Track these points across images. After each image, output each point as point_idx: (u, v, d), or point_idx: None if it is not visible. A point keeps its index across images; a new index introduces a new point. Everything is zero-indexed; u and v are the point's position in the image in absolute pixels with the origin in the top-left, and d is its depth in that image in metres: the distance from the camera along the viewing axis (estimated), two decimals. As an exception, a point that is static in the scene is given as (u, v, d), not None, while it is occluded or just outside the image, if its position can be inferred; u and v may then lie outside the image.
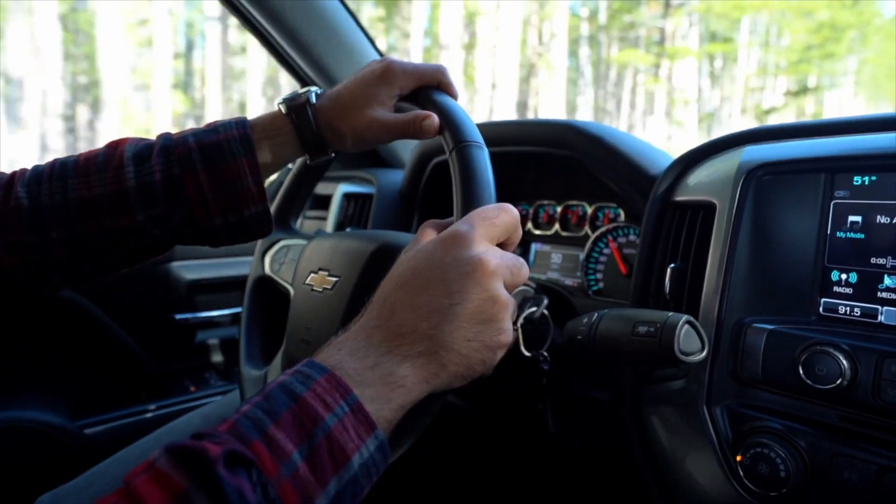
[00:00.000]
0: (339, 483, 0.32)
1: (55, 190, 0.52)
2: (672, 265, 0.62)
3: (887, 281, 0.49)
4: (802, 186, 0.54)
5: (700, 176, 0.64)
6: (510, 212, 0.44)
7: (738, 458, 0.52)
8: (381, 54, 1.14)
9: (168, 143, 0.54)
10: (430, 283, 0.39)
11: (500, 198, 0.47)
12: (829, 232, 0.53)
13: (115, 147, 0.55)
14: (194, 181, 0.53)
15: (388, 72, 0.56)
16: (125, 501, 0.27)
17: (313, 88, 0.58)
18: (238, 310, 1.33)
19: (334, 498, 0.32)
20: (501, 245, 0.44)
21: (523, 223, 1.02)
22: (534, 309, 0.70)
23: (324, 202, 1.19)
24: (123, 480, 0.29)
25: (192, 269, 1.26)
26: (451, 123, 0.53)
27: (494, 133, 0.87)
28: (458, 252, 0.39)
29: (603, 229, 0.90)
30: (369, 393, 0.35)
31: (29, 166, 0.56)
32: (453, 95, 0.58)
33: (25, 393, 1.04)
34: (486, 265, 0.39)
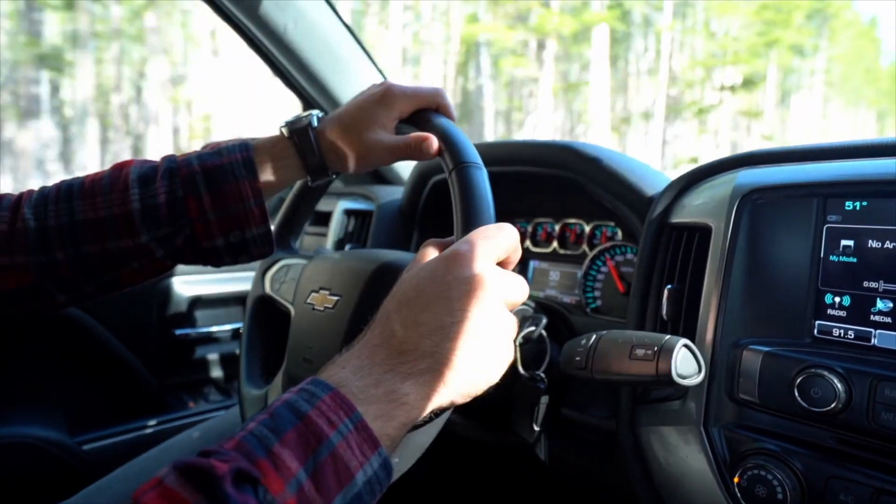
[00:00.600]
0: (344, 500, 0.33)
1: (61, 211, 0.53)
2: (669, 286, 0.63)
3: (879, 304, 0.50)
4: (796, 211, 0.55)
5: (696, 198, 0.65)
6: (510, 231, 0.45)
7: (736, 479, 0.52)
8: (383, 75, 1.15)
9: (172, 166, 0.56)
10: (433, 301, 0.39)
11: (499, 215, 0.48)
12: (822, 255, 0.54)
13: (120, 169, 0.56)
14: (197, 203, 0.54)
15: (387, 95, 0.58)
16: None
17: (314, 112, 0.60)
18: (238, 325, 1.33)
19: None
20: (501, 264, 0.44)
21: (522, 241, 1.03)
22: (532, 328, 0.71)
23: (324, 218, 1.20)
24: (132, 497, 0.29)
25: (192, 284, 1.26)
26: (449, 144, 0.54)
27: (493, 153, 0.89)
28: (459, 271, 0.40)
29: (601, 247, 0.91)
30: (373, 410, 0.36)
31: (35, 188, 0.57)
32: (451, 117, 0.59)
33: (24, 408, 1.04)
34: (487, 284, 0.40)
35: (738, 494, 0.52)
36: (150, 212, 0.54)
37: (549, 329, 0.76)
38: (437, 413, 0.41)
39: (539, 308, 0.80)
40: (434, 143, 0.55)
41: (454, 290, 0.39)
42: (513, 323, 0.42)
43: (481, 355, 0.40)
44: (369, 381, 0.37)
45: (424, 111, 0.59)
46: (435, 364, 0.38)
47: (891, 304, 0.49)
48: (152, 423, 1.13)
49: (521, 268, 1.02)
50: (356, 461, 0.34)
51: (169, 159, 0.57)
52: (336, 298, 0.68)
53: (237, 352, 0.85)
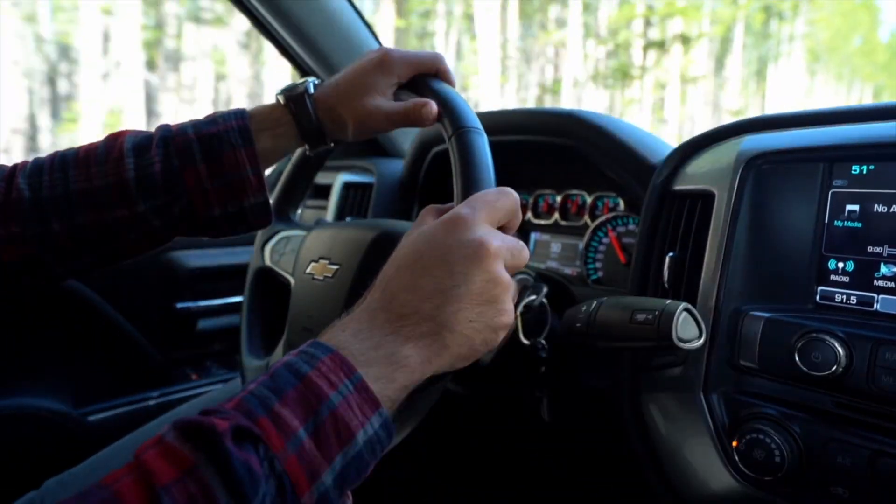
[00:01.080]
0: (345, 459, 0.33)
1: (56, 181, 0.53)
2: (671, 254, 0.63)
3: (883, 269, 0.50)
4: (801, 176, 0.55)
5: (699, 165, 0.64)
6: (510, 195, 0.44)
7: (734, 443, 0.52)
8: (379, 43, 1.13)
9: (167, 135, 0.55)
10: (433, 264, 0.39)
11: (500, 186, 0.48)
12: (826, 221, 0.53)
13: (114, 139, 0.55)
14: (194, 172, 0.53)
15: (385, 61, 0.57)
16: (135, 475, 0.28)
17: (311, 79, 0.58)
18: (239, 298, 1.34)
19: (340, 473, 0.33)
20: (502, 228, 0.44)
21: (523, 212, 1.02)
22: (533, 297, 0.71)
23: (324, 192, 1.19)
24: (133, 455, 0.29)
25: (193, 257, 1.26)
26: (449, 110, 0.53)
27: (495, 122, 0.87)
28: (459, 234, 0.40)
29: (602, 219, 0.90)
30: (373, 372, 0.36)
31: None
32: (450, 83, 0.58)
33: (29, 381, 1.05)
34: (487, 247, 0.39)
35: (737, 458, 0.52)
36: (146, 181, 0.53)
37: (550, 300, 0.76)
38: (437, 376, 0.41)
39: (540, 279, 0.80)
40: (433, 108, 0.54)
41: (454, 254, 0.39)
42: (513, 286, 0.42)
43: (481, 319, 0.39)
44: (369, 343, 0.37)
45: (423, 76, 0.58)
46: (435, 327, 0.38)
47: (895, 269, 0.49)
48: (155, 395, 1.15)
49: (523, 239, 1.01)
50: (356, 420, 0.34)
51: (163, 128, 0.56)
52: (335, 268, 0.67)
53: (239, 324, 0.85)
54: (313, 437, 0.32)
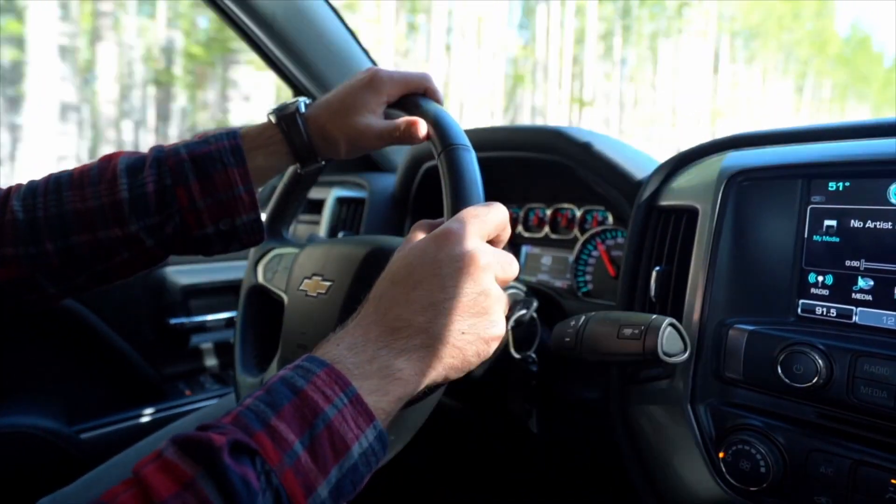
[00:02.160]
0: (340, 471, 0.33)
1: (50, 203, 0.53)
2: (657, 268, 0.64)
3: (861, 283, 0.51)
4: (781, 192, 0.56)
5: (683, 181, 0.66)
6: (499, 210, 0.45)
7: (721, 454, 0.53)
8: (372, 61, 1.15)
9: (160, 155, 0.56)
10: (425, 278, 0.40)
11: (491, 200, 0.49)
12: (805, 236, 0.55)
13: (108, 160, 0.56)
14: (186, 191, 0.54)
15: (375, 80, 0.58)
16: (134, 490, 0.28)
17: (302, 98, 0.60)
18: (232, 314, 1.34)
19: (335, 485, 0.33)
20: (492, 242, 0.45)
21: (513, 226, 1.04)
22: (523, 312, 0.72)
23: (317, 207, 1.20)
24: (132, 471, 0.30)
25: (185, 273, 1.26)
26: (438, 128, 0.54)
27: (484, 139, 0.89)
28: (450, 248, 0.41)
29: (591, 232, 0.92)
30: (368, 385, 0.36)
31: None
32: (439, 101, 0.60)
33: (21, 399, 1.04)
34: (478, 260, 0.40)
35: (723, 469, 0.53)
36: (139, 201, 0.54)
37: (541, 313, 0.77)
38: (431, 388, 0.42)
39: (531, 292, 0.81)
40: (423, 126, 0.56)
41: (445, 268, 0.40)
42: (504, 299, 0.43)
43: (474, 331, 0.40)
44: (364, 357, 0.38)
45: (412, 96, 0.60)
46: (428, 340, 0.39)
47: (871, 283, 0.51)
48: (149, 411, 1.14)
49: (514, 253, 1.03)
50: (352, 433, 0.34)
51: (157, 149, 0.57)
52: (329, 284, 0.68)
53: (232, 340, 0.85)
54: (309, 451, 0.32)
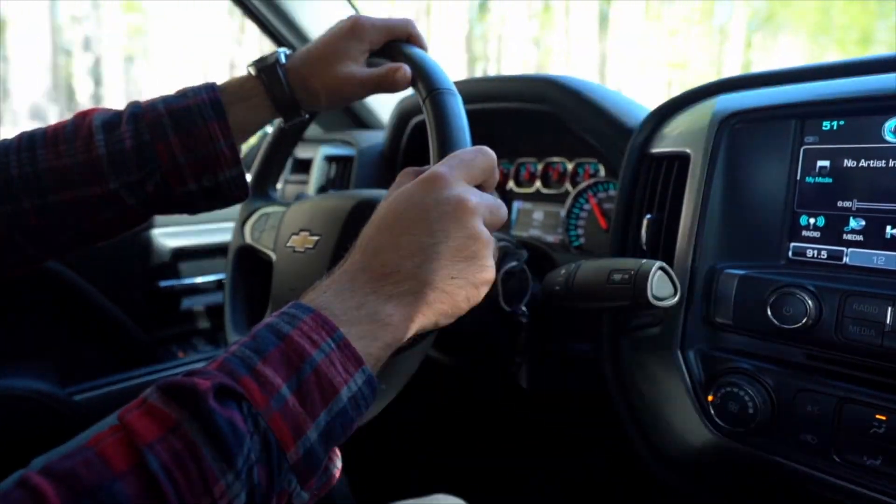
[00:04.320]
0: (329, 415, 0.33)
1: (24, 161, 0.52)
2: (648, 216, 0.63)
3: (852, 223, 0.51)
4: (774, 133, 0.55)
5: (675, 127, 0.65)
6: (486, 154, 0.44)
7: (710, 398, 0.54)
8: (355, 9, 1.11)
9: (137, 111, 0.54)
10: (412, 223, 0.39)
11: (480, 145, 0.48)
12: (798, 178, 0.54)
13: (82, 117, 0.54)
14: (166, 147, 0.53)
15: (356, 27, 0.56)
16: (119, 435, 0.28)
17: (282, 49, 0.58)
18: (222, 276, 1.33)
19: (325, 429, 0.33)
20: (479, 187, 0.44)
21: (505, 181, 1.02)
22: (514, 263, 0.71)
23: (305, 166, 1.18)
24: (117, 417, 0.29)
25: (174, 236, 1.25)
26: (422, 73, 0.53)
27: (472, 90, 0.87)
28: (438, 192, 0.40)
29: (583, 185, 0.91)
30: (356, 331, 0.36)
31: None
32: (423, 47, 0.58)
33: (13, 362, 1.04)
34: (466, 204, 0.40)
35: (712, 412, 0.54)
36: (117, 157, 0.52)
37: (533, 268, 0.77)
38: (421, 335, 0.41)
39: (522, 246, 0.81)
40: (407, 72, 0.54)
41: (433, 212, 0.39)
42: (493, 242, 0.42)
43: (463, 276, 0.40)
44: (351, 303, 0.37)
45: (395, 42, 0.58)
46: (417, 285, 0.38)
47: (863, 223, 0.50)
48: (141, 373, 1.15)
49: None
50: (340, 378, 0.34)
51: (133, 104, 0.55)
52: (316, 238, 0.67)
53: (223, 302, 0.85)
54: (297, 395, 0.32)
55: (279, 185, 1.16)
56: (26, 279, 1.00)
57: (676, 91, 0.67)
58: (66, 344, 1.14)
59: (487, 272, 0.42)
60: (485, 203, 0.41)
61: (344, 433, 0.35)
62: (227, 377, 0.31)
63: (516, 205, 1.01)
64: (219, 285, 1.31)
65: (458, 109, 0.50)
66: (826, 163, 0.52)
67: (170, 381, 0.31)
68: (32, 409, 0.98)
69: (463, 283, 0.40)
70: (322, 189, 1.14)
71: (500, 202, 0.43)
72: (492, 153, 0.45)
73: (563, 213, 0.92)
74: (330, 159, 1.14)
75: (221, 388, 0.30)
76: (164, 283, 1.23)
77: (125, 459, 0.27)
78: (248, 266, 0.84)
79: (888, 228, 0.49)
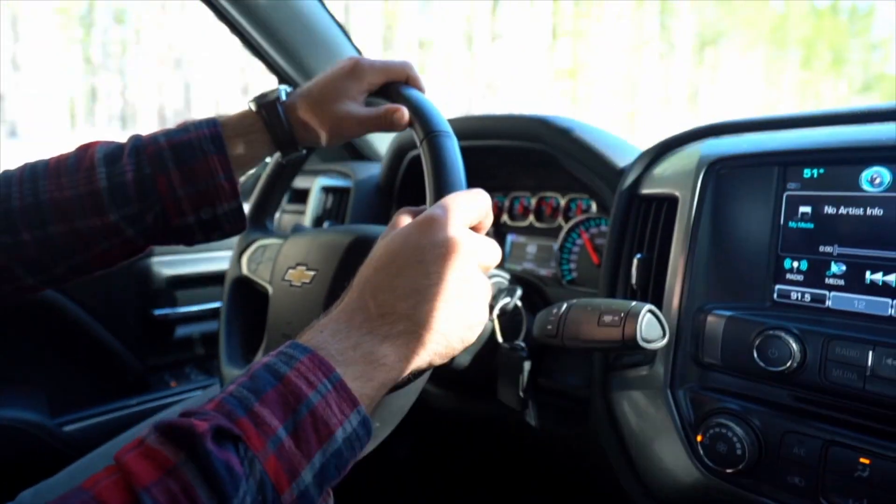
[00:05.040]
0: (324, 456, 0.34)
1: (26, 192, 0.53)
2: (639, 255, 0.65)
3: (834, 268, 0.52)
4: (758, 179, 0.57)
5: (664, 169, 0.67)
6: (481, 196, 0.46)
7: (699, 437, 0.55)
8: (357, 49, 1.14)
9: (139, 144, 0.55)
10: (408, 265, 0.40)
11: (475, 188, 0.49)
12: (781, 222, 0.56)
13: (85, 150, 0.56)
14: (166, 180, 0.54)
15: (356, 68, 0.58)
16: (116, 477, 0.28)
17: (283, 86, 0.60)
18: (217, 304, 1.33)
19: (319, 470, 0.33)
20: (474, 229, 0.45)
21: (499, 215, 1.04)
22: (508, 300, 0.72)
23: (301, 196, 1.20)
24: (113, 458, 0.30)
25: (170, 264, 1.26)
26: (420, 115, 0.54)
27: (468, 127, 0.89)
28: (433, 235, 0.41)
29: (575, 220, 0.92)
30: (351, 371, 0.37)
31: None
32: (421, 89, 0.60)
33: (2, 391, 1.03)
34: (461, 247, 0.41)
35: (701, 452, 0.54)
36: (118, 190, 0.53)
37: (526, 301, 0.78)
38: (415, 374, 0.42)
39: (516, 281, 0.82)
40: (404, 113, 0.56)
41: (428, 254, 0.40)
42: (487, 285, 0.43)
43: (457, 316, 0.40)
44: (347, 343, 0.38)
45: (394, 83, 0.60)
46: (412, 326, 0.39)
47: (844, 267, 0.52)
48: (133, 402, 1.14)
49: (499, 241, 1.03)
50: (335, 419, 0.34)
51: (135, 138, 0.56)
52: (313, 273, 0.68)
53: (217, 330, 0.85)
54: (293, 436, 0.33)
55: (275, 215, 1.17)
56: (17, 306, 1.00)
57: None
58: (57, 371, 1.13)
59: (481, 314, 0.43)
60: (479, 245, 0.42)
61: (338, 474, 0.35)
62: (224, 418, 0.31)
63: (510, 238, 1.03)
64: (213, 314, 1.31)
65: (454, 152, 0.51)
66: (808, 209, 0.54)
67: (167, 421, 0.31)
68: (21, 439, 0.97)
69: (457, 324, 0.41)
70: (318, 220, 1.15)
71: (494, 244, 0.45)
72: (486, 196, 0.46)
73: (555, 247, 0.94)
74: (327, 190, 1.15)
75: (219, 429, 0.30)
76: (158, 312, 1.23)
77: (122, 502, 0.27)
78: (244, 297, 0.85)
79: (868, 274, 0.50)
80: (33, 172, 0.54)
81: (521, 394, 0.73)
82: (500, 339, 0.74)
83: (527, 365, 0.72)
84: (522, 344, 0.73)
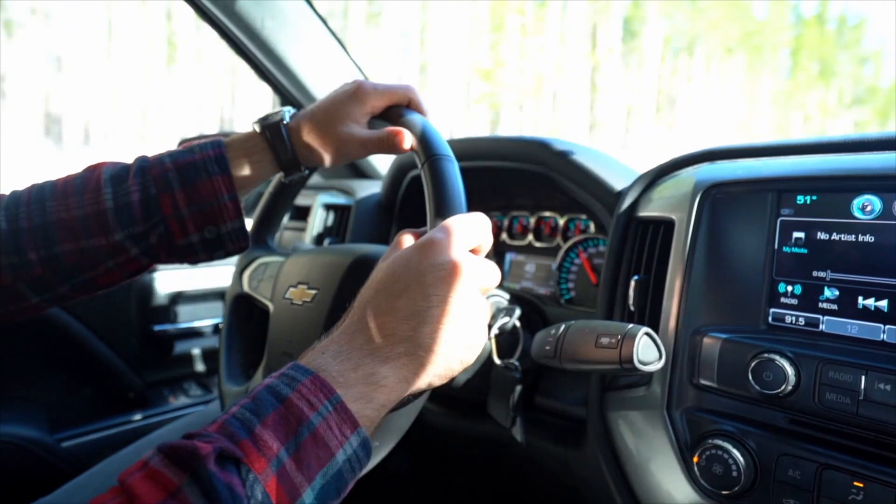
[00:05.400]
0: (325, 478, 0.34)
1: (33, 213, 0.54)
2: (636, 277, 0.66)
3: (827, 293, 0.53)
4: (752, 204, 0.58)
5: (660, 193, 0.68)
6: (481, 220, 0.47)
7: (696, 459, 0.55)
8: (361, 71, 1.16)
9: (145, 165, 0.56)
10: (409, 287, 0.41)
11: (477, 208, 0.50)
12: (776, 247, 0.57)
13: (92, 170, 0.57)
14: (171, 199, 0.55)
15: (359, 91, 0.59)
16: (121, 499, 0.29)
17: (287, 108, 0.61)
18: (217, 320, 1.33)
19: (320, 492, 0.34)
20: (474, 251, 0.46)
21: (498, 234, 1.05)
22: (506, 319, 0.73)
23: (303, 213, 1.21)
24: (117, 479, 0.30)
25: (170, 280, 1.26)
26: (421, 138, 0.56)
27: (469, 148, 0.90)
28: (434, 258, 0.42)
29: (574, 240, 0.93)
30: (352, 393, 0.37)
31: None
32: (423, 112, 0.61)
33: (2, 407, 1.03)
34: (461, 269, 0.41)
35: (697, 473, 0.55)
36: (124, 210, 0.54)
37: (524, 320, 0.79)
38: (415, 395, 0.43)
39: (514, 300, 0.83)
40: (407, 137, 0.57)
41: (429, 277, 0.41)
42: (486, 307, 0.44)
43: (457, 338, 0.41)
44: (348, 365, 0.38)
45: (396, 107, 0.61)
46: (412, 348, 0.40)
47: (837, 292, 0.53)
48: (133, 419, 1.14)
49: (498, 260, 1.04)
50: (336, 440, 0.35)
51: (141, 159, 0.58)
52: (314, 292, 0.69)
53: (217, 346, 0.85)
54: (294, 458, 0.33)
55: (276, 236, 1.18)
56: (18, 321, 1.00)
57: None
58: (56, 387, 1.13)
59: (480, 335, 0.43)
60: (479, 268, 0.43)
61: (338, 495, 0.36)
62: (227, 441, 0.32)
63: (509, 256, 1.04)
64: (214, 330, 1.32)
65: (455, 175, 0.52)
66: (801, 234, 0.55)
67: (172, 444, 0.31)
68: (20, 455, 0.97)
69: (456, 346, 0.41)
70: (320, 237, 1.16)
71: (493, 266, 0.45)
72: (486, 219, 0.47)
73: (554, 266, 0.95)
74: (328, 207, 1.16)
75: (221, 452, 0.31)
76: (158, 327, 1.23)
77: None
78: (245, 314, 0.85)
79: (860, 299, 0.51)
80: (41, 193, 0.55)
81: (510, 412, 0.73)
82: (495, 357, 0.74)
83: (518, 386, 0.73)
84: (516, 363, 0.74)
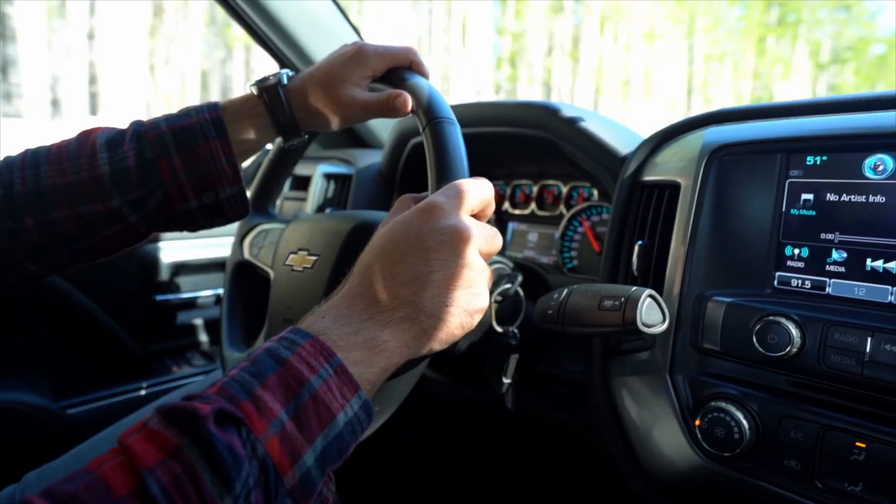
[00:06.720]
0: (326, 440, 0.34)
1: (27, 178, 0.53)
2: (640, 242, 0.65)
3: (834, 255, 0.52)
4: (760, 166, 0.57)
5: (666, 157, 0.67)
6: (484, 184, 0.46)
7: (698, 422, 0.55)
8: (359, 35, 1.14)
9: (140, 129, 0.55)
10: (410, 251, 0.40)
11: (477, 176, 0.49)
12: (783, 209, 0.56)
13: (87, 135, 0.56)
14: (168, 164, 0.54)
15: (359, 53, 0.58)
16: (120, 459, 0.29)
17: (285, 70, 0.59)
18: (219, 291, 1.34)
19: (321, 453, 0.34)
20: (476, 216, 0.45)
21: (500, 203, 1.04)
22: (508, 286, 0.73)
23: (303, 183, 1.20)
24: (117, 440, 0.30)
25: (172, 250, 1.26)
26: (423, 101, 0.54)
27: (471, 114, 0.89)
28: (435, 222, 0.41)
29: (577, 208, 0.92)
30: (353, 357, 0.37)
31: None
32: (424, 75, 0.59)
33: (6, 374, 1.04)
34: (462, 234, 0.41)
35: (699, 436, 0.55)
36: (120, 175, 0.53)
37: (526, 288, 0.78)
38: (416, 360, 0.42)
39: (517, 268, 0.82)
40: (408, 99, 0.55)
41: (430, 241, 0.40)
42: (488, 272, 0.43)
43: (458, 303, 0.41)
44: (349, 329, 0.38)
45: (398, 69, 0.59)
46: (413, 312, 0.39)
47: (845, 255, 0.52)
48: (136, 387, 1.14)
49: (501, 229, 1.03)
50: (337, 403, 0.35)
51: (136, 123, 0.56)
52: (315, 258, 0.68)
53: (219, 316, 0.85)
54: (295, 420, 0.33)
55: (277, 202, 1.17)
56: (20, 291, 1.00)
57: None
58: (60, 355, 1.14)
59: (481, 300, 0.43)
60: (480, 233, 0.43)
61: (339, 457, 0.36)
62: (226, 402, 0.32)
63: (511, 226, 1.03)
64: (216, 300, 1.32)
65: (457, 139, 0.51)
66: (810, 196, 0.54)
67: (170, 405, 0.31)
68: (24, 422, 0.98)
69: (457, 311, 0.41)
70: (320, 207, 1.15)
71: (495, 231, 0.45)
72: (489, 184, 0.46)
73: (557, 235, 0.94)
74: (328, 177, 1.15)
75: (221, 412, 0.31)
76: (160, 297, 1.23)
77: (126, 483, 0.28)
78: (246, 281, 0.85)
79: (868, 261, 0.50)
80: (35, 158, 0.54)
81: (504, 378, 0.73)
82: (495, 324, 0.74)
83: (514, 354, 0.72)
84: (515, 331, 0.74)
